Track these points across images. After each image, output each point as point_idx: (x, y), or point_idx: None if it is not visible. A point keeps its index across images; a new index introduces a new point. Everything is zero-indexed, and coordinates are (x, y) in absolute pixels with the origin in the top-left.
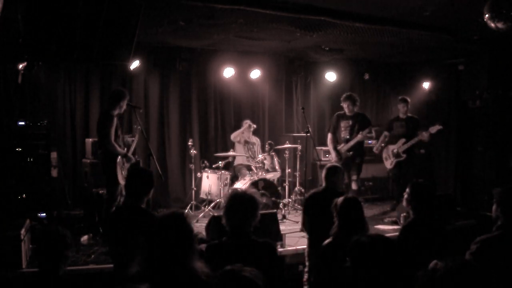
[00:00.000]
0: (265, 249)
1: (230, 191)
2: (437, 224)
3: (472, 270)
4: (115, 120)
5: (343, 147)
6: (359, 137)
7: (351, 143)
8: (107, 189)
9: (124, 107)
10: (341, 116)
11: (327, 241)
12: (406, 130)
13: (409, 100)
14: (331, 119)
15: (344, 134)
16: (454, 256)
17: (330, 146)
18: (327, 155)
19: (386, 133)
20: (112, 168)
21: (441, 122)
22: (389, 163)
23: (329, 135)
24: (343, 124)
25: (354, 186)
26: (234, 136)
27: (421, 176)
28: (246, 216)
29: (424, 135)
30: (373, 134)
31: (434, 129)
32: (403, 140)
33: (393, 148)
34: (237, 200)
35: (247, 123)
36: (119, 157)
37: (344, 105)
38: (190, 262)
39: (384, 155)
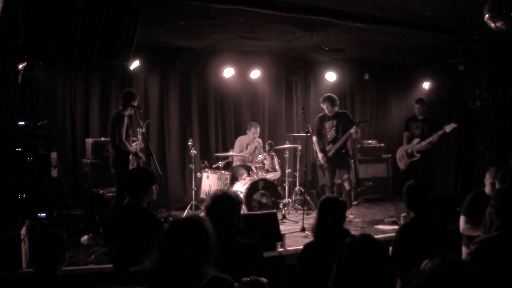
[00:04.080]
0: (249, 250)
1: (211, 193)
2: (437, 224)
3: (460, 268)
4: (126, 120)
5: (331, 148)
6: (352, 131)
7: (341, 141)
8: (117, 187)
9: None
10: (323, 117)
11: (308, 241)
12: (422, 132)
13: (425, 100)
14: (314, 122)
15: (331, 134)
16: (443, 254)
17: (317, 148)
18: None
19: (406, 133)
20: (124, 166)
21: (455, 121)
22: (402, 164)
23: (314, 138)
24: (327, 125)
25: (347, 186)
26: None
27: (422, 176)
28: (229, 217)
29: (438, 134)
30: (359, 132)
31: (449, 127)
32: (417, 140)
33: (407, 148)
34: (219, 201)
35: (253, 132)
36: (131, 155)
37: (324, 106)
38: (202, 269)
39: (398, 155)
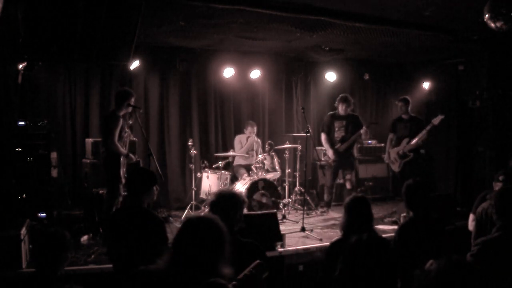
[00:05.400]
0: (249, 248)
1: (216, 190)
2: (436, 224)
3: (466, 269)
4: (121, 121)
5: (341, 147)
6: (362, 132)
7: (350, 141)
8: (108, 188)
9: (130, 107)
10: (335, 116)
11: (335, 238)
12: (409, 131)
13: (409, 99)
14: (325, 119)
15: (339, 134)
16: (449, 255)
17: (326, 145)
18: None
19: (391, 135)
20: (115, 167)
21: (441, 112)
22: (396, 166)
23: (323, 135)
24: (337, 124)
25: (348, 185)
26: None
27: (422, 176)
28: (231, 215)
29: (427, 129)
30: (368, 134)
31: (437, 120)
32: (406, 139)
33: (397, 150)
34: (222, 199)
35: (250, 132)
36: (122, 157)
37: (341, 106)
38: (217, 268)
39: (390, 158)
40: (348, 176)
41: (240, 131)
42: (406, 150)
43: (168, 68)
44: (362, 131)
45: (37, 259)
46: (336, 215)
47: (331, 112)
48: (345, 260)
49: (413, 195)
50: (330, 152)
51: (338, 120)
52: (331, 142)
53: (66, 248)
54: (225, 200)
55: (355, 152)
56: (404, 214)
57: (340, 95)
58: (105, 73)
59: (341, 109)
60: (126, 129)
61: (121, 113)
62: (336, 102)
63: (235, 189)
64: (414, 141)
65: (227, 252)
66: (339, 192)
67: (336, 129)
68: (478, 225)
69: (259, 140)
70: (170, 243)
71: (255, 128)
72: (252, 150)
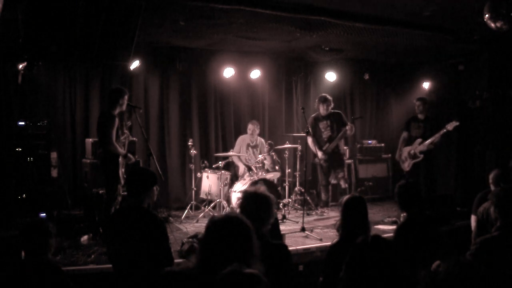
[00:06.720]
0: (280, 251)
1: (242, 192)
2: (431, 222)
3: (472, 271)
4: (117, 120)
5: (329, 147)
6: (348, 128)
7: (337, 140)
8: (107, 189)
9: (125, 105)
10: (317, 118)
11: (335, 240)
12: (423, 132)
13: (427, 99)
14: (309, 122)
15: (326, 134)
16: (455, 257)
17: (315, 148)
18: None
19: (405, 134)
20: (114, 168)
21: (457, 119)
22: (406, 165)
23: (310, 138)
24: (321, 125)
25: (343, 184)
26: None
27: (430, 179)
28: (262, 217)
29: (440, 133)
30: (354, 129)
31: (451, 125)
32: (419, 140)
33: (409, 149)
34: (251, 201)
35: (250, 129)
36: (120, 157)
37: (322, 107)
38: (250, 265)
39: (402, 157)
40: (340, 175)
41: (240, 131)
42: (417, 151)
43: (168, 68)
44: (347, 127)
45: (25, 248)
46: (336, 215)
47: (314, 115)
48: (351, 261)
49: (405, 195)
50: (319, 154)
51: (321, 121)
52: (318, 144)
53: (49, 234)
54: (257, 202)
55: (356, 151)
56: (404, 214)
57: (319, 96)
58: (105, 73)
59: (322, 109)
60: (125, 130)
61: (116, 112)
62: (316, 104)
63: (263, 189)
64: (427, 143)
65: (256, 248)
66: (334, 191)
67: (322, 130)
68: (479, 225)
69: (263, 140)
70: (193, 242)
71: (257, 127)
72: (255, 148)
